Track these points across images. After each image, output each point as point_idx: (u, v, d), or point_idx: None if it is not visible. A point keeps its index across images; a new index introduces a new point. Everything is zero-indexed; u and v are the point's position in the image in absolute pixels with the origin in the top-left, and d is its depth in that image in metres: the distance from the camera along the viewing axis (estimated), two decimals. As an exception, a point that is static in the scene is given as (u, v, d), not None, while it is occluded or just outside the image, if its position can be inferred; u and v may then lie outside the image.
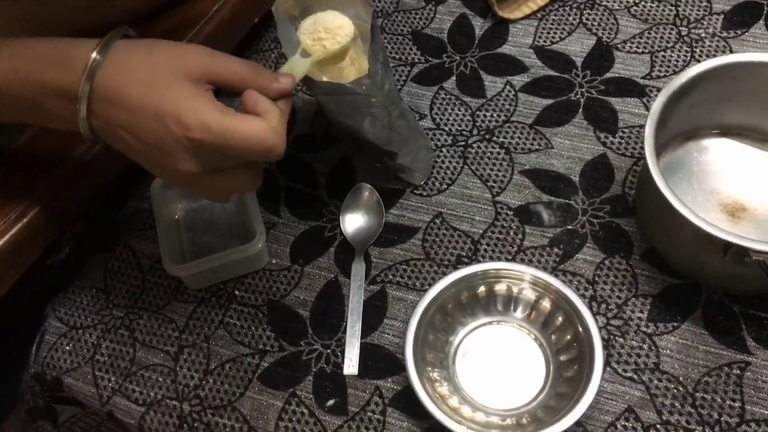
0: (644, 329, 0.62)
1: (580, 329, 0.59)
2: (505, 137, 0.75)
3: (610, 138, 0.73)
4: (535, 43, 0.82)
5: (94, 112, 0.50)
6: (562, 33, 0.82)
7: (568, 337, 0.60)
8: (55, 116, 0.52)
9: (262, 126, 0.49)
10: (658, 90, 0.76)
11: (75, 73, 0.49)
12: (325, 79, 0.61)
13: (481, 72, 0.80)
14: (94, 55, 0.49)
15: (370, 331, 0.65)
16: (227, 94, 0.52)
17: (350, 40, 0.58)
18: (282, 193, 0.74)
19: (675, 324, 0.62)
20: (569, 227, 0.68)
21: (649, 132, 0.60)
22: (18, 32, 0.67)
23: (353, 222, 0.71)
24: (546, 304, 0.62)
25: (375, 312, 0.66)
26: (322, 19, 0.58)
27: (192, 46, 0.52)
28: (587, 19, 0.83)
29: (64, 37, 0.53)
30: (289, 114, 0.53)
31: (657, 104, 0.62)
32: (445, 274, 0.67)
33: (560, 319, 0.61)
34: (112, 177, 0.70)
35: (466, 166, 0.74)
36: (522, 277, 0.62)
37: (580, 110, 0.75)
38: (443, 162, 0.74)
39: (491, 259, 0.68)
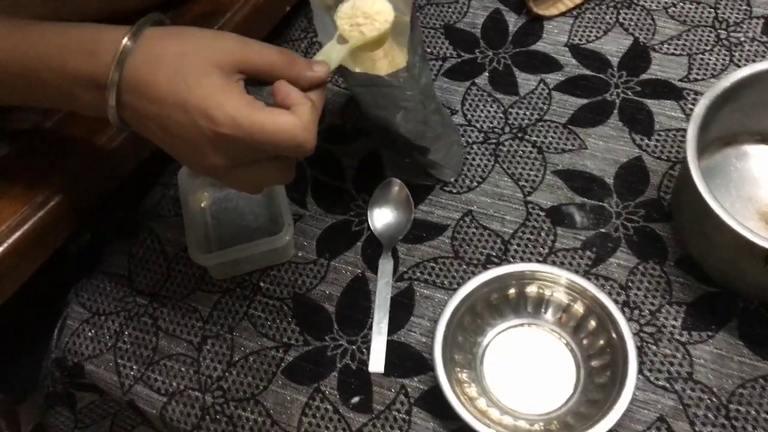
0: (678, 337, 0.61)
1: (614, 335, 0.58)
2: (537, 136, 0.74)
3: (646, 140, 0.72)
4: (570, 41, 0.80)
5: (123, 101, 0.49)
6: (598, 32, 0.80)
7: (601, 342, 0.59)
8: (84, 104, 0.52)
9: (292, 121, 0.47)
10: (696, 93, 0.74)
11: (104, 61, 0.48)
12: (358, 70, 0.60)
13: (515, 69, 0.79)
14: (125, 41, 0.48)
15: (397, 329, 0.64)
16: (256, 82, 0.51)
17: (390, 26, 0.56)
18: (309, 184, 0.73)
19: (710, 333, 0.61)
20: (602, 230, 0.67)
21: (691, 135, 0.59)
22: (42, 12, 0.66)
23: (382, 217, 0.69)
24: (578, 307, 0.60)
25: (402, 309, 0.65)
26: (361, 3, 0.56)
27: (223, 34, 0.51)
28: (624, 18, 0.81)
29: (91, 22, 0.52)
30: (322, 106, 0.51)
31: (700, 108, 0.60)
32: (474, 273, 0.66)
33: (593, 324, 0.59)
34: (137, 164, 0.69)
35: (497, 164, 0.72)
36: (555, 280, 0.60)
37: (616, 111, 0.74)
38: (474, 159, 0.73)
39: (521, 259, 0.66)
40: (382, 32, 0.56)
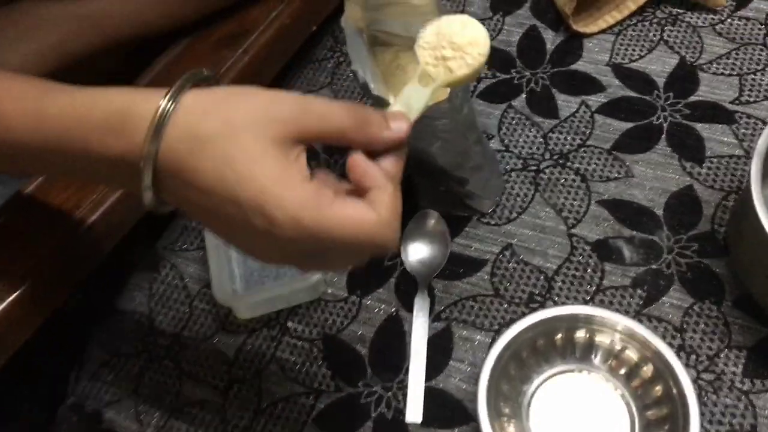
0: (739, 385, 0.57)
1: (671, 384, 0.53)
2: (580, 163, 0.69)
3: (697, 168, 0.67)
4: (612, 60, 0.76)
5: (161, 185, 0.40)
6: (641, 50, 0.76)
7: (658, 391, 0.54)
8: (113, 184, 0.47)
9: (369, 219, 0.39)
10: (748, 116, 0.70)
11: (136, 137, 0.39)
12: (391, 99, 0.56)
13: (554, 90, 0.75)
14: (163, 104, 0.39)
15: (435, 374, 0.60)
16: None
17: (484, 60, 0.44)
18: (338, 215, 0.69)
19: (774, 382, 0.56)
20: (653, 267, 0.62)
21: (755, 171, 0.55)
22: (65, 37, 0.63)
23: (416, 252, 0.65)
24: (631, 353, 0.56)
25: (439, 352, 0.61)
26: (448, 28, 0.44)
27: (279, 97, 0.40)
28: (669, 36, 0.77)
29: (115, 86, 0.43)
30: (401, 173, 0.42)
31: (763, 140, 0.56)
32: (515, 313, 0.62)
33: (648, 371, 0.55)
34: (123, 234, 0.61)
35: (537, 194, 0.68)
36: (610, 325, 0.56)
37: (663, 136, 0.70)
38: (513, 188, 0.69)
39: (567, 298, 0.62)
40: (475, 68, 0.44)
